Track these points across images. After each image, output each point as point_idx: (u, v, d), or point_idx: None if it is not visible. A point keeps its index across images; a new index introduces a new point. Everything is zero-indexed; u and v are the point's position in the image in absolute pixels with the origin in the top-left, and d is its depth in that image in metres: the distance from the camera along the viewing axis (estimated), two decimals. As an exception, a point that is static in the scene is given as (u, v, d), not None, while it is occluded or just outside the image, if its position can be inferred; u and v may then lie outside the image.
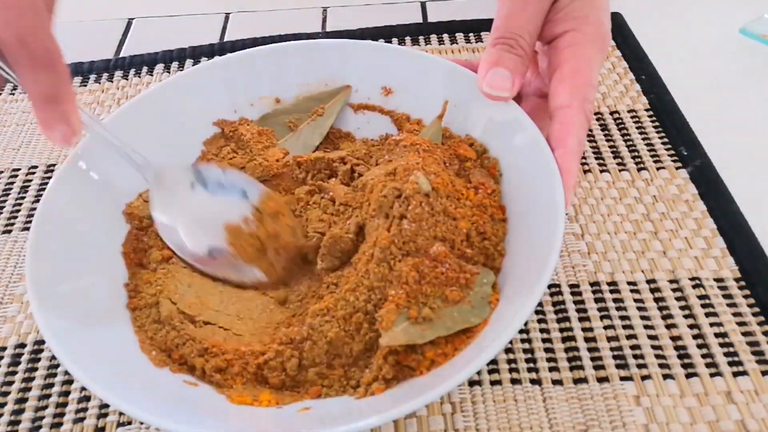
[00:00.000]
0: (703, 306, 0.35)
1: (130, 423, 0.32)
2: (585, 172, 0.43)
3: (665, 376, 0.33)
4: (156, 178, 0.37)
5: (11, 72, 0.30)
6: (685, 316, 0.35)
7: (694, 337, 0.34)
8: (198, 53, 0.56)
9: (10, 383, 0.35)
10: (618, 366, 0.33)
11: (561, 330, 0.35)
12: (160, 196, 0.37)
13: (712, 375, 0.33)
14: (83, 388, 0.34)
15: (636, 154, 0.44)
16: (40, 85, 0.30)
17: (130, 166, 0.36)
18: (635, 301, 0.36)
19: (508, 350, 0.34)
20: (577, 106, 0.34)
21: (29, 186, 0.46)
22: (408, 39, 0.56)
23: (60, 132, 0.31)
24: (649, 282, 0.37)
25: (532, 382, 0.33)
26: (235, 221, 0.37)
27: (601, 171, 0.43)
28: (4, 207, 0.44)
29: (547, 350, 0.34)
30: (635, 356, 0.34)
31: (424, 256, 0.32)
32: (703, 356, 0.33)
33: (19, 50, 0.29)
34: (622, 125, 0.46)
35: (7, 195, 0.45)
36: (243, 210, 0.37)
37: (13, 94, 0.53)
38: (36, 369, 0.35)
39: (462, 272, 0.32)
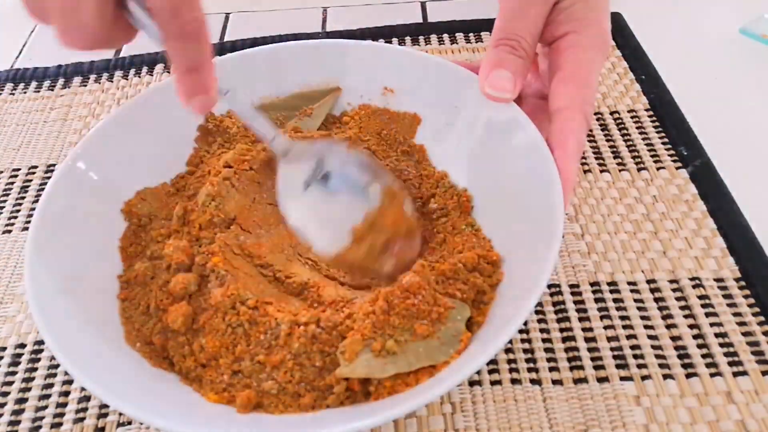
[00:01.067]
0: (703, 306, 0.35)
1: (130, 423, 0.32)
2: (585, 172, 0.43)
3: (665, 376, 0.33)
4: (285, 157, 0.36)
5: (156, 36, 0.29)
6: (685, 316, 0.35)
7: (694, 337, 0.34)
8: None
9: (10, 383, 0.35)
10: (618, 366, 0.33)
11: (561, 330, 0.35)
12: (286, 187, 0.36)
13: (712, 375, 0.33)
14: (83, 388, 0.34)
15: (636, 154, 0.44)
16: (186, 56, 0.30)
17: (262, 139, 0.36)
18: (635, 301, 0.36)
19: (508, 350, 0.34)
20: (577, 108, 0.34)
21: (29, 186, 0.46)
22: (408, 39, 0.56)
23: (199, 101, 0.31)
24: (649, 282, 0.37)
25: (532, 382, 0.33)
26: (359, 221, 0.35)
27: (601, 171, 0.43)
28: (4, 207, 0.44)
29: (547, 350, 0.34)
30: (635, 356, 0.34)
31: (396, 286, 0.30)
32: (703, 356, 0.33)
33: (171, 20, 0.28)
34: (622, 125, 0.46)
35: (7, 195, 0.45)
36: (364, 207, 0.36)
37: (13, 94, 0.53)
38: (36, 369, 0.35)
39: (435, 305, 0.30)
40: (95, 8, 0.27)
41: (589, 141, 0.45)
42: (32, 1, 0.28)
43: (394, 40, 0.56)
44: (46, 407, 0.33)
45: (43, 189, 0.43)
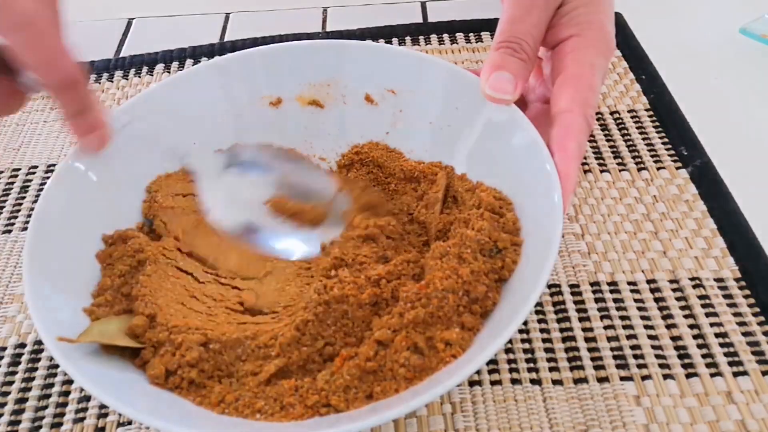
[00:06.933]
0: (703, 306, 0.35)
1: (130, 423, 0.32)
2: (585, 172, 0.43)
3: (665, 376, 0.33)
4: (192, 165, 0.39)
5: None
6: (685, 316, 0.35)
7: (694, 337, 0.34)
8: (198, 53, 0.56)
9: (10, 383, 0.35)
10: (618, 366, 0.33)
11: (561, 330, 0.35)
12: (199, 181, 0.39)
13: (712, 375, 0.33)
14: (83, 388, 0.34)
15: (636, 154, 0.44)
16: (69, 103, 0.32)
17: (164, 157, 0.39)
18: (635, 301, 0.36)
19: (508, 350, 0.34)
20: (578, 111, 0.34)
21: (29, 186, 0.46)
22: (408, 39, 0.56)
23: (92, 139, 0.35)
24: (649, 282, 0.37)
25: (532, 382, 0.33)
26: (276, 195, 0.38)
27: (602, 171, 0.43)
28: (4, 207, 0.44)
29: (547, 350, 0.34)
30: (635, 356, 0.34)
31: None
32: (703, 356, 0.33)
33: (47, 74, 0.31)
34: (622, 125, 0.46)
35: (7, 195, 0.45)
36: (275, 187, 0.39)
37: (13, 94, 0.53)
38: (36, 369, 0.35)
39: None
40: None
41: (590, 141, 0.45)
42: None
43: (394, 40, 0.56)
44: (46, 407, 0.33)
45: (43, 189, 0.43)
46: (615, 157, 0.44)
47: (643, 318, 0.35)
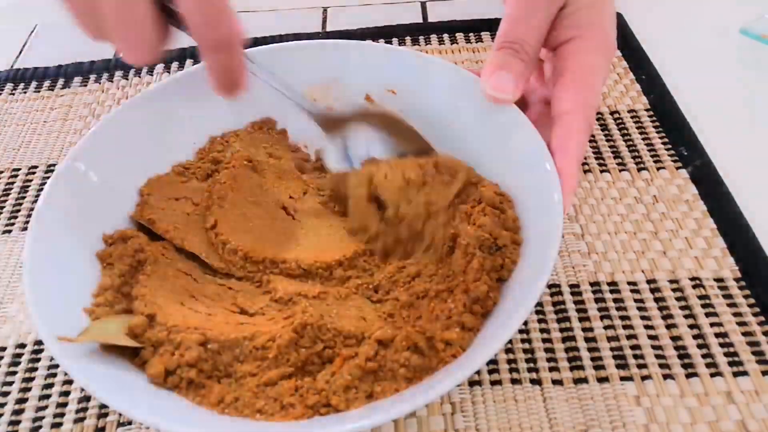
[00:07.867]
0: (703, 306, 0.35)
1: (130, 423, 0.33)
2: (585, 172, 0.43)
3: (665, 376, 0.33)
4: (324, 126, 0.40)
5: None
6: (685, 316, 0.35)
7: (694, 337, 0.34)
8: (198, 53, 0.56)
9: (10, 383, 0.35)
10: (618, 366, 0.33)
11: (561, 330, 0.35)
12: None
13: (712, 375, 0.33)
14: (83, 388, 0.34)
15: (636, 154, 0.44)
16: (220, 63, 0.33)
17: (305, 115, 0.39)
18: (635, 301, 0.36)
19: (508, 350, 0.34)
20: (579, 112, 0.34)
21: (29, 186, 0.46)
22: (408, 39, 0.56)
23: (234, 93, 0.35)
24: (649, 282, 0.37)
25: (532, 382, 0.33)
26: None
27: (602, 171, 0.43)
28: (4, 207, 0.44)
29: (547, 350, 0.34)
30: (635, 356, 0.34)
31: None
32: (703, 356, 0.33)
33: (206, 33, 0.31)
34: (622, 125, 0.47)
35: (7, 195, 0.45)
36: None
37: (13, 94, 0.53)
38: (36, 369, 0.35)
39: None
40: (151, 23, 0.30)
41: (590, 141, 0.45)
42: (91, 25, 0.31)
43: (394, 40, 0.56)
44: (46, 407, 0.33)
45: (43, 189, 0.43)
46: (615, 157, 0.44)
47: (643, 318, 0.35)
